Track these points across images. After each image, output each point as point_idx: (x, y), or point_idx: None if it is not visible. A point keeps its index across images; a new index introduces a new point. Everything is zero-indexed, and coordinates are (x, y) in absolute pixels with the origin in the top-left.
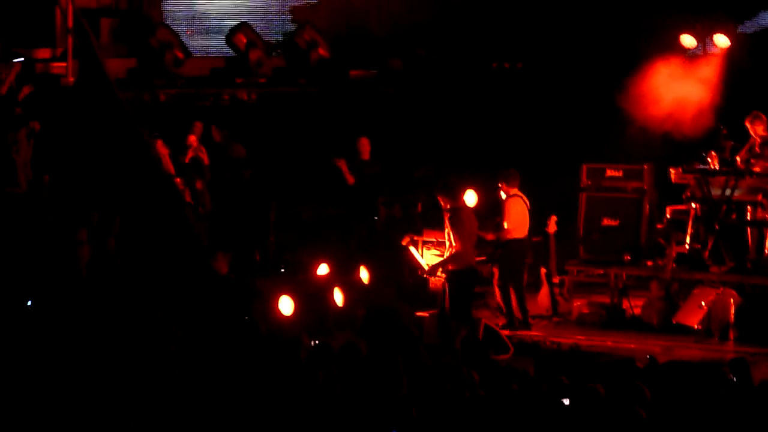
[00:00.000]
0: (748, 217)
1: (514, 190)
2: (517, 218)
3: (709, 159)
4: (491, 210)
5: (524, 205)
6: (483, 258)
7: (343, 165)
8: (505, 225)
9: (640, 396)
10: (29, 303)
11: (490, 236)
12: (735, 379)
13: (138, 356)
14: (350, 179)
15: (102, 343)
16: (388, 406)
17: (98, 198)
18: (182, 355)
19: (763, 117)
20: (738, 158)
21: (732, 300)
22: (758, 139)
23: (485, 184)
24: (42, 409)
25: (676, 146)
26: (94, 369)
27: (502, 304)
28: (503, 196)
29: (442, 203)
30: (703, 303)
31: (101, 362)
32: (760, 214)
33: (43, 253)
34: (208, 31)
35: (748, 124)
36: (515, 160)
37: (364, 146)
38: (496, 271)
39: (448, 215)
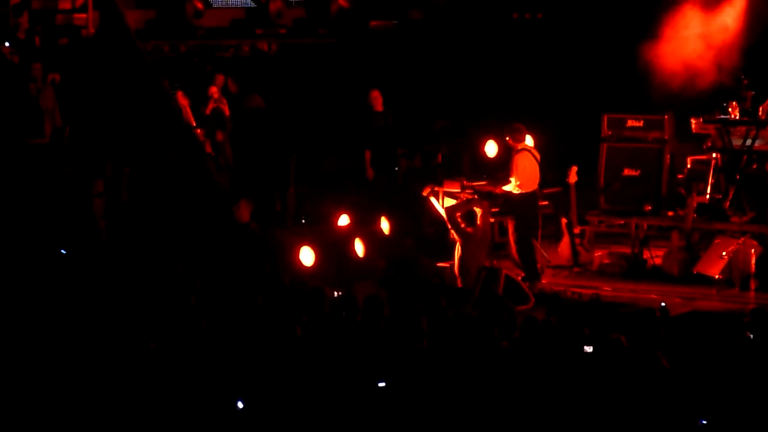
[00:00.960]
0: None
1: (522, 144)
2: (525, 173)
3: (729, 109)
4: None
5: (533, 159)
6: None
7: (367, 156)
8: (513, 179)
9: (663, 345)
10: (63, 251)
11: (499, 189)
12: (755, 329)
13: (159, 308)
14: (370, 172)
15: (123, 296)
16: (409, 356)
17: (117, 149)
18: (204, 307)
19: None
20: (761, 108)
21: (753, 250)
22: None
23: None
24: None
25: (697, 96)
26: (115, 322)
27: (517, 258)
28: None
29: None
30: (723, 253)
31: (122, 315)
32: None
33: (62, 204)
34: None
35: None
36: (535, 110)
37: (376, 99)
38: (510, 223)
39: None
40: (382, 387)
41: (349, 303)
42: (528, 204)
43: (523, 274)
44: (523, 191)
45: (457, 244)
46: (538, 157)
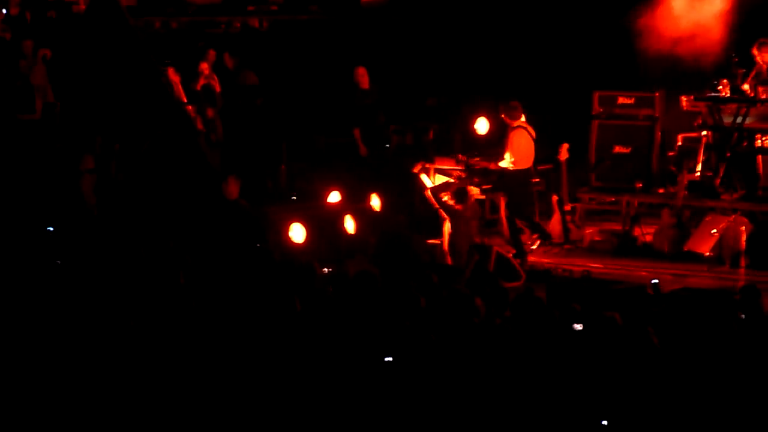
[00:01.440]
0: (759, 145)
1: (518, 122)
2: (520, 150)
3: (720, 87)
4: (501, 139)
5: (528, 136)
6: (489, 186)
7: (357, 134)
8: (507, 156)
9: (654, 323)
10: (49, 228)
11: (493, 166)
12: (745, 306)
13: (150, 285)
14: (363, 150)
15: (113, 273)
16: (401, 332)
17: (107, 124)
18: (194, 284)
19: None
20: (745, 86)
21: (743, 227)
22: (765, 66)
23: (497, 112)
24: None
25: (687, 73)
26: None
27: (508, 235)
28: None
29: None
30: (714, 230)
31: (112, 292)
32: None
33: (53, 180)
34: None
35: (755, 52)
36: (527, 87)
37: (363, 76)
38: (502, 199)
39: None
40: (386, 362)
41: (340, 279)
42: (522, 181)
43: (514, 251)
44: (518, 168)
45: (446, 221)
46: (534, 134)
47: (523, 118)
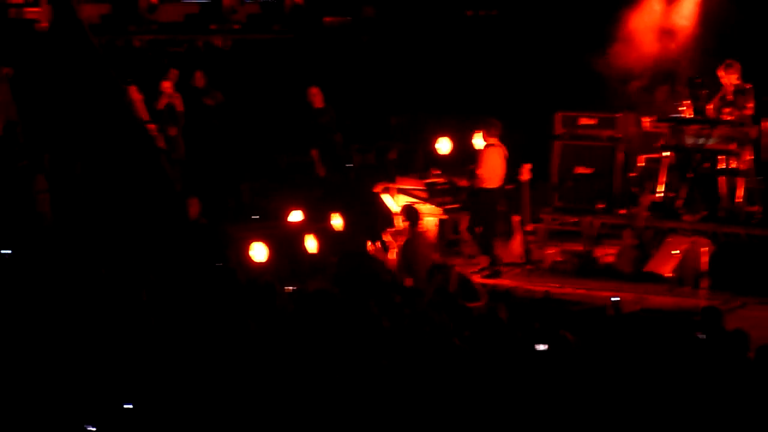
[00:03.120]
0: (721, 166)
1: (493, 140)
2: (491, 168)
3: (683, 108)
4: (465, 157)
5: (501, 155)
6: (457, 206)
7: (315, 155)
8: (478, 173)
9: (611, 343)
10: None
11: (463, 182)
12: (707, 328)
13: (110, 304)
14: (321, 170)
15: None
16: (361, 351)
17: (62, 142)
18: (155, 301)
19: (737, 65)
20: (709, 107)
21: (704, 248)
22: (731, 87)
23: (459, 131)
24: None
25: (649, 95)
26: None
27: (476, 253)
28: (479, 144)
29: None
30: (675, 251)
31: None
32: (733, 162)
33: (11, 201)
34: None
35: (721, 73)
36: (489, 107)
37: (316, 95)
38: (465, 218)
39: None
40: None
41: (301, 298)
42: (492, 199)
43: (474, 270)
44: (489, 186)
45: (398, 242)
46: (506, 153)
47: (497, 138)
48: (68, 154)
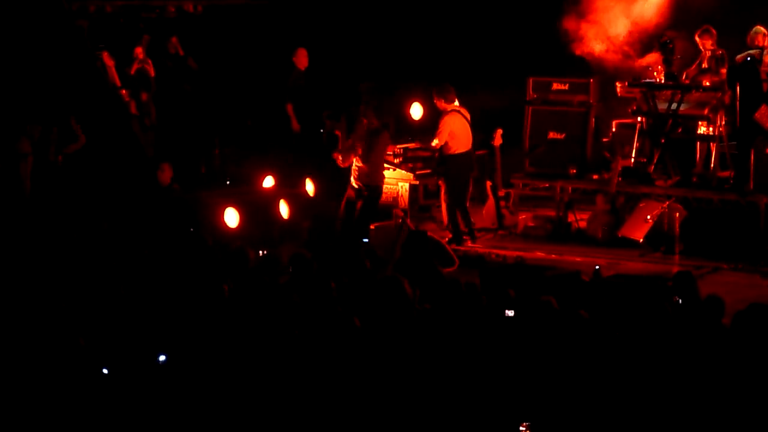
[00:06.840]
0: (695, 132)
1: (452, 105)
2: (455, 133)
3: (655, 73)
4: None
5: (463, 119)
6: (428, 171)
7: (290, 109)
8: (436, 141)
9: (587, 308)
10: None
11: (428, 150)
12: (679, 292)
13: (84, 267)
14: (295, 125)
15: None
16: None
17: (42, 108)
18: (128, 267)
19: (713, 31)
20: (686, 73)
21: (677, 214)
22: (707, 53)
23: (431, 98)
24: None
25: (622, 61)
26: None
27: (446, 220)
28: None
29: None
30: (648, 217)
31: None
32: (706, 128)
33: None
34: None
35: (697, 39)
36: (461, 72)
37: (303, 57)
38: (441, 185)
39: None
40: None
41: (273, 263)
42: (462, 165)
43: (449, 236)
44: (457, 152)
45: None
46: (468, 117)
47: (456, 102)
48: (42, 120)
